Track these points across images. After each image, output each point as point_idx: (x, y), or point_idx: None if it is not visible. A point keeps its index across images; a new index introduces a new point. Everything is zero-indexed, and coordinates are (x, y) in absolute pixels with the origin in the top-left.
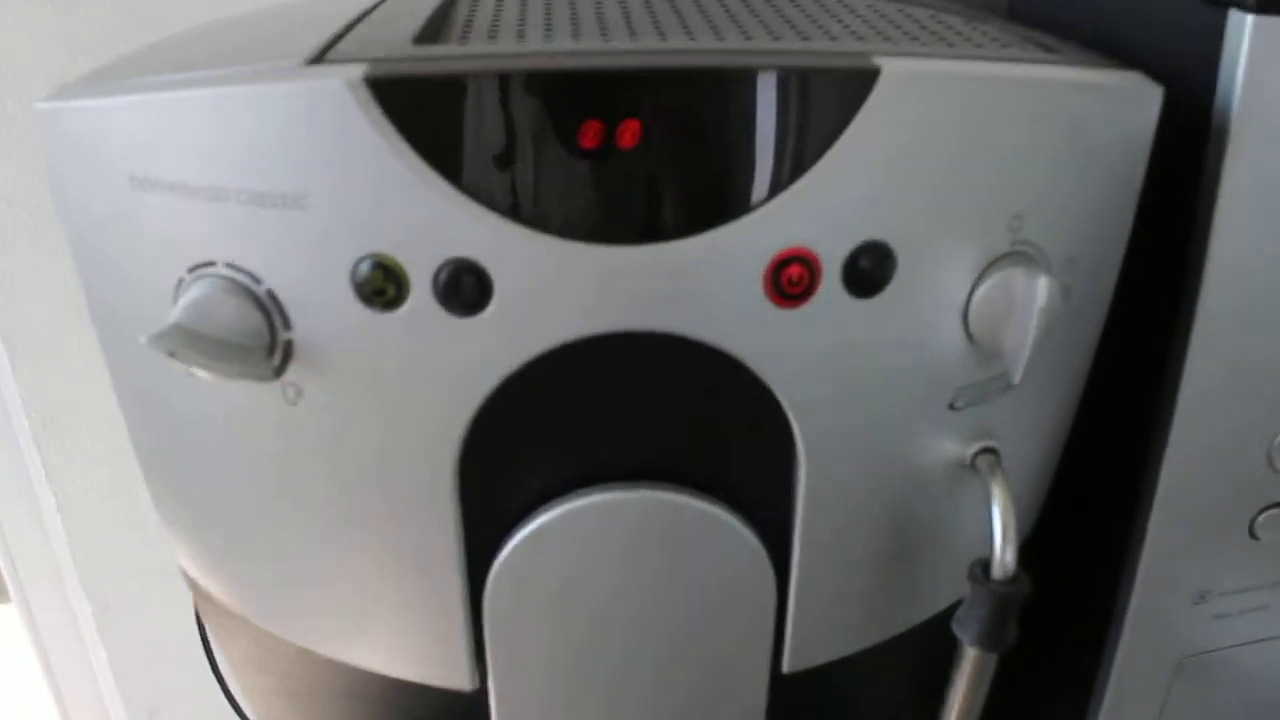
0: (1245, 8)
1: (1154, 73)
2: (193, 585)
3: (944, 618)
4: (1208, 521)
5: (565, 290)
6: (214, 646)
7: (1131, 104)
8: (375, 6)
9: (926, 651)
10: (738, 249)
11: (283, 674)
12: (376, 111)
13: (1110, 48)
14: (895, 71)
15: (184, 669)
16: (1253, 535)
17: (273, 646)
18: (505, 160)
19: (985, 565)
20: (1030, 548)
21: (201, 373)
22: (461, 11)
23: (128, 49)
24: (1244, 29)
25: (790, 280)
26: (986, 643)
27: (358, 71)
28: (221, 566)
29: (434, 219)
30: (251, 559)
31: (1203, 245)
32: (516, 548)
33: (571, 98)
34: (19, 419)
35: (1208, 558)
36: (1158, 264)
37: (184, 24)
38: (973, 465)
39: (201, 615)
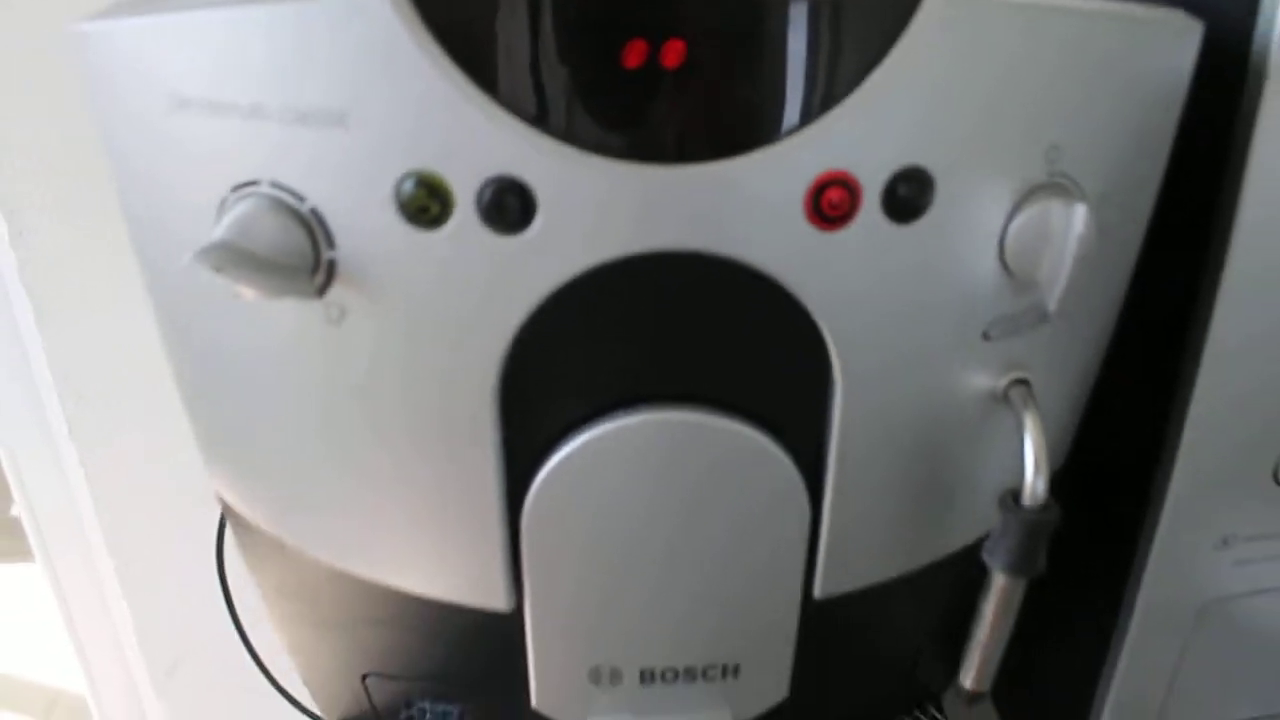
0: None
1: (1193, 10)
2: (229, 512)
3: (974, 550)
4: (1232, 466)
5: (608, 209)
6: (251, 575)
7: (1171, 40)
8: None
9: (956, 584)
10: (780, 170)
11: (316, 603)
12: (417, 23)
13: None
14: None
15: (205, 625)
16: (1277, 481)
17: (308, 575)
18: (549, 77)
19: (1016, 494)
20: (1057, 486)
21: (245, 291)
22: None
23: None
24: None
25: (831, 203)
26: (1016, 569)
27: None
28: (261, 490)
29: (477, 136)
30: (293, 482)
31: (1235, 191)
32: (554, 469)
33: (617, 16)
34: (44, 378)
35: (1232, 502)
36: (1191, 210)
37: None
38: (1005, 396)
39: (240, 544)
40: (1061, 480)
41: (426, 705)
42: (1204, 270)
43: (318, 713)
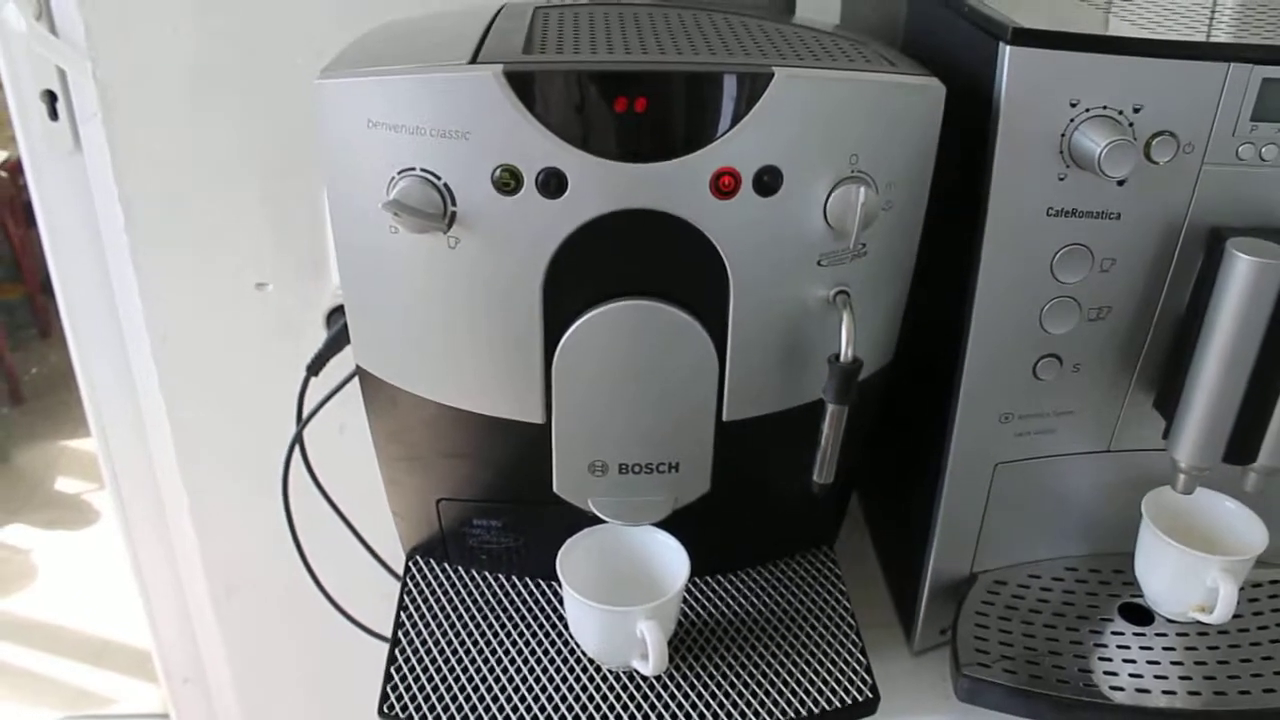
0: (1005, 40)
1: (962, 78)
2: (365, 380)
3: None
4: (1005, 364)
5: (605, 185)
6: (371, 424)
7: (926, 95)
8: (491, 23)
9: (814, 423)
10: (698, 166)
11: (414, 442)
12: (508, 89)
13: (946, 64)
14: (782, 74)
15: (262, 553)
16: (1036, 376)
17: (413, 415)
18: (577, 116)
19: (837, 355)
20: (891, 377)
21: (403, 227)
22: (538, 32)
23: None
24: (1005, 53)
25: (725, 185)
26: (839, 400)
27: (498, 68)
28: (392, 355)
29: (537, 147)
30: (414, 345)
31: (986, 192)
32: (573, 333)
33: (610, 84)
34: (138, 336)
35: (1007, 389)
36: (963, 199)
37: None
38: (834, 301)
39: (368, 406)
40: (893, 374)
41: (481, 522)
42: (973, 249)
43: (367, 624)
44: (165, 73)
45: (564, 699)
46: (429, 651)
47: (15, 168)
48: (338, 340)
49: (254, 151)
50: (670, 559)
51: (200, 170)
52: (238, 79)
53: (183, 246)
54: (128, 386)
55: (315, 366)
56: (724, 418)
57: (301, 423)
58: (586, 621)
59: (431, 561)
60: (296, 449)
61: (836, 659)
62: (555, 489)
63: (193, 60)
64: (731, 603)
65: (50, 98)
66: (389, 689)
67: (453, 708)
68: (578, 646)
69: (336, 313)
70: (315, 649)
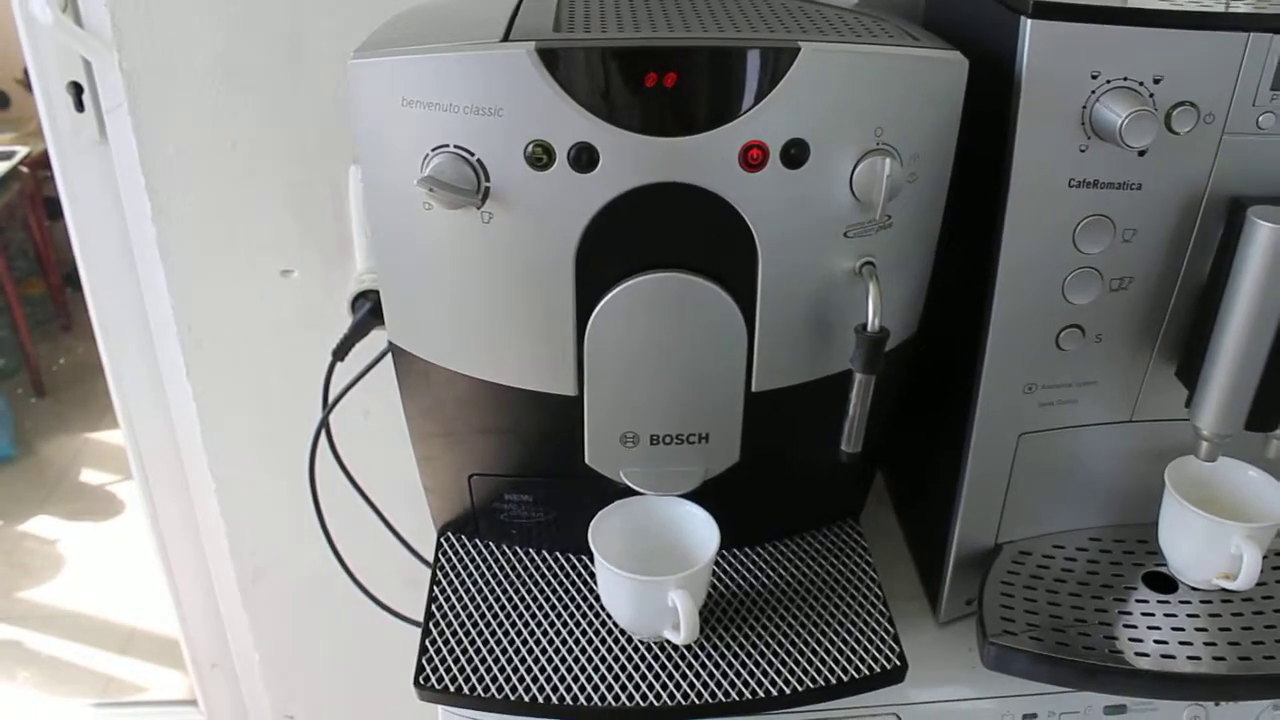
0: (1026, 14)
1: (984, 51)
2: (398, 357)
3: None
4: (1028, 335)
5: (636, 159)
6: (404, 401)
7: (949, 68)
8: (519, 4)
9: (842, 393)
10: (727, 139)
11: (445, 419)
12: (540, 66)
13: (967, 38)
14: (809, 48)
15: (288, 539)
16: (1059, 346)
17: (445, 390)
18: (608, 91)
19: (864, 325)
20: (917, 350)
21: (437, 203)
22: (565, 11)
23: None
24: (1026, 26)
25: (753, 158)
26: (866, 369)
27: (530, 45)
28: (426, 331)
29: (569, 122)
30: (447, 321)
31: (1009, 164)
32: (605, 305)
33: (641, 60)
34: (164, 325)
35: (1030, 360)
36: (983, 175)
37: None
38: (860, 272)
39: (401, 383)
40: (919, 346)
41: (512, 496)
42: (995, 220)
43: (393, 607)
44: (190, 62)
45: (596, 669)
46: (462, 625)
47: (37, 162)
48: (362, 325)
49: (278, 138)
50: (700, 530)
51: (225, 158)
52: (262, 67)
53: (208, 235)
54: (154, 375)
55: (340, 351)
56: (753, 388)
57: (327, 408)
58: (619, 592)
59: (463, 537)
60: (323, 434)
61: (864, 628)
62: (587, 460)
63: (217, 48)
64: (760, 574)
65: (76, 89)
66: (424, 661)
67: (487, 679)
68: (609, 618)
69: (361, 298)
70: (342, 633)
